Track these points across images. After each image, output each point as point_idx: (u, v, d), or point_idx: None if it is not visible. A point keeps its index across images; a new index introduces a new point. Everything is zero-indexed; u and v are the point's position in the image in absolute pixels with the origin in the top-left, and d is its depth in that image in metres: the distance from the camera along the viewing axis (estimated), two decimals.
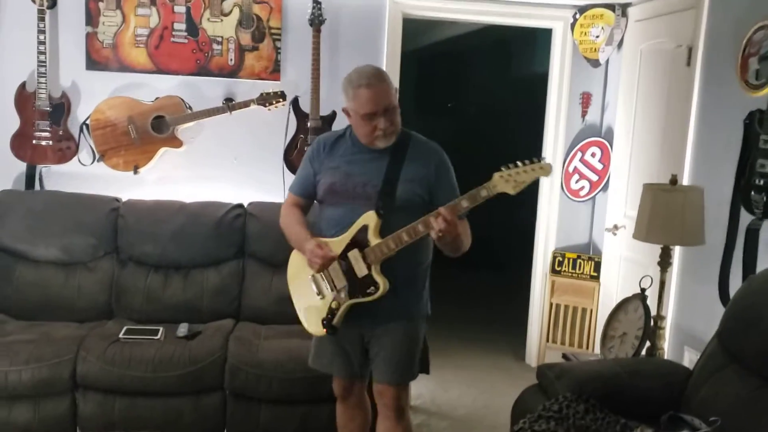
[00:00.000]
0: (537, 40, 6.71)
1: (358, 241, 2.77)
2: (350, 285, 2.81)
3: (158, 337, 3.73)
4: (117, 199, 4.34)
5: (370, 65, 2.91)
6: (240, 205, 4.36)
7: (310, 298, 2.94)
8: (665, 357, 3.67)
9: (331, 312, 2.85)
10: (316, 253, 2.79)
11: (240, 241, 4.28)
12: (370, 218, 2.75)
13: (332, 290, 2.85)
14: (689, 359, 3.70)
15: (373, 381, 3.04)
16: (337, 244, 2.83)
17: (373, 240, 2.74)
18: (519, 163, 2.57)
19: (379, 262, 2.75)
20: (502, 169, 2.58)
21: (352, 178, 2.84)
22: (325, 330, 2.85)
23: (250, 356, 3.61)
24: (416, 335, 2.99)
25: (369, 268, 2.76)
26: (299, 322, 4.07)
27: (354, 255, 2.78)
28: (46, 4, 4.25)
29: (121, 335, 3.70)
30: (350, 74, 2.86)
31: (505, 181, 2.56)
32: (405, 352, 2.95)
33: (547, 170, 2.57)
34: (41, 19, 4.24)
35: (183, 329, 3.84)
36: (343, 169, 2.87)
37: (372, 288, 2.76)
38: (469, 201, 2.63)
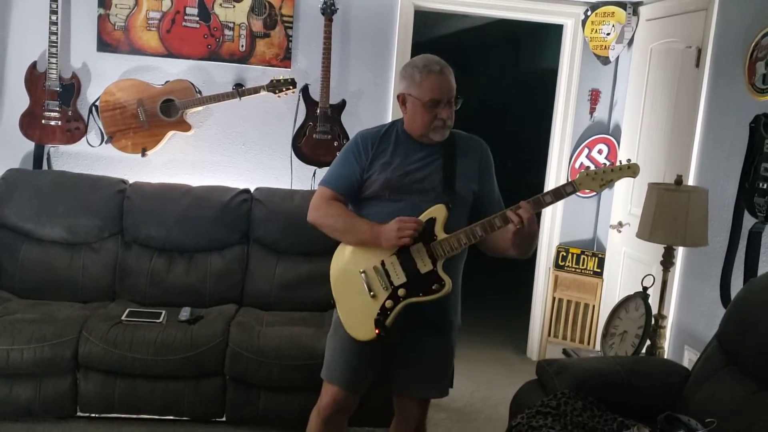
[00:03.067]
0: (547, 36, 6.71)
1: (423, 235, 2.59)
2: (411, 282, 2.61)
3: (160, 320, 3.75)
4: (124, 181, 4.36)
5: (432, 54, 2.72)
6: (246, 191, 4.37)
7: (359, 298, 2.67)
8: (665, 356, 3.68)
9: (384, 311, 2.62)
10: (408, 223, 2.56)
11: (245, 227, 4.29)
12: (439, 211, 2.60)
13: (387, 288, 2.63)
14: (689, 359, 3.71)
15: (401, 395, 2.89)
16: None
17: (440, 234, 2.59)
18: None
19: (446, 258, 2.59)
20: (590, 167, 2.57)
21: (410, 174, 2.68)
22: (377, 331, 2.62)
23: (250, 342, 3.62)
24: (453, 347, 2.86)
25: (434, 264, 2.60)
26: (301, 309, 4.13)
27: (418, 249, 2.60)
28: None
29: (123, 317, 3.73)
30: (414, 61, 2.71)
31: (591, 179, 2.55)
32: (445, 365, 2.86)
33: (636, 171, 2.56)
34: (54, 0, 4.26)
35: (185, 313, 3.86)
36: (397, 164, 2.69)
37: (437, 285, 2.58)
38: (554, 196, 2.56)
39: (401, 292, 2.62)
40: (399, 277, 2.62)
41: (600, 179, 2.55)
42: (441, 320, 2.78)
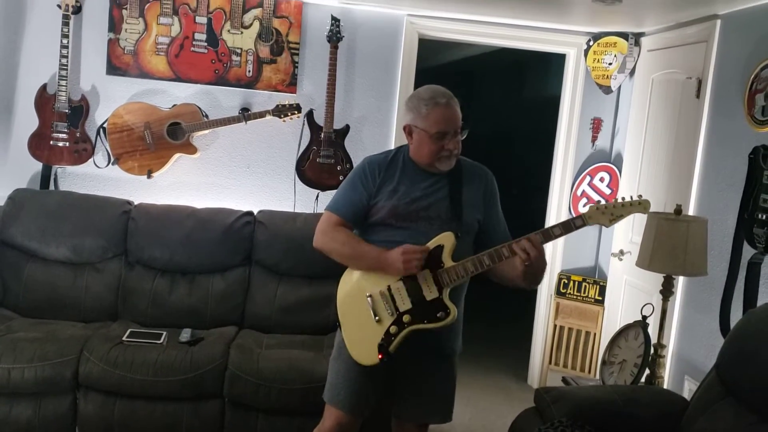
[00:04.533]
0: (551, 64, 6.76)
1: (430, 262, 2.61)
2: (416, 308, 2.61)
3: (161, 341, 3.76)
4: (129, 202, 4.40)
5: (437, 85, 2.74)
6: (250, 213, 4.40)
7: (364, 322, 2.68)
8: (665, 386, 3.67)
9: (388, 337, 2.63)
10: (413, 253, 2.58)
11: (248, 249, 4.32)
12: (447, 239, 2.61)
13: (393, 313, 2.64)
14: (689, 389, 3.70)
15: (402, 420, 2.89)
16: None
17: (448, 262, 2.60)
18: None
19: (452, 286, 2.61)
20: (600, 201, 2.58)
21: (416, 201, 2.70)
22: (380, 356, 2.62)
23: (250, 365, 3.63)
24: (455, 372, 2.88)
25: (440, 291, 2.60)
26: (301, 332, 4.14)
27: (425, 276, 2.61)
28: (71, 9, 4.34)
29: (124, 338, 3.74)
30: (420, 92, 2.73)
31: (601, 213, 2.57)
32: (448, 391, 2.87)
33: (647, 207, 2.58)
34: (65, 23, 4.33)
35: (186, 335, 3.87)
36: (403, 191, 2.72)
37: (442, 313, 2.59)
38: (563, 229, 2.58)
39: (406, 318, 2.63)
40: (404, 303, 2.63)
41: (610, 214, 2.58)
42: (444, 346, 2.79)
